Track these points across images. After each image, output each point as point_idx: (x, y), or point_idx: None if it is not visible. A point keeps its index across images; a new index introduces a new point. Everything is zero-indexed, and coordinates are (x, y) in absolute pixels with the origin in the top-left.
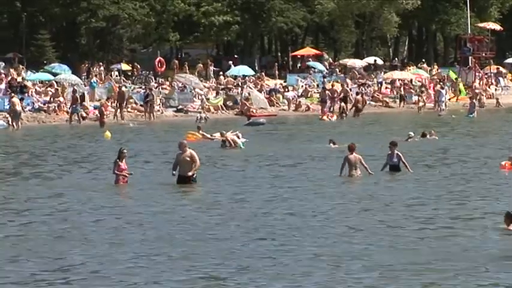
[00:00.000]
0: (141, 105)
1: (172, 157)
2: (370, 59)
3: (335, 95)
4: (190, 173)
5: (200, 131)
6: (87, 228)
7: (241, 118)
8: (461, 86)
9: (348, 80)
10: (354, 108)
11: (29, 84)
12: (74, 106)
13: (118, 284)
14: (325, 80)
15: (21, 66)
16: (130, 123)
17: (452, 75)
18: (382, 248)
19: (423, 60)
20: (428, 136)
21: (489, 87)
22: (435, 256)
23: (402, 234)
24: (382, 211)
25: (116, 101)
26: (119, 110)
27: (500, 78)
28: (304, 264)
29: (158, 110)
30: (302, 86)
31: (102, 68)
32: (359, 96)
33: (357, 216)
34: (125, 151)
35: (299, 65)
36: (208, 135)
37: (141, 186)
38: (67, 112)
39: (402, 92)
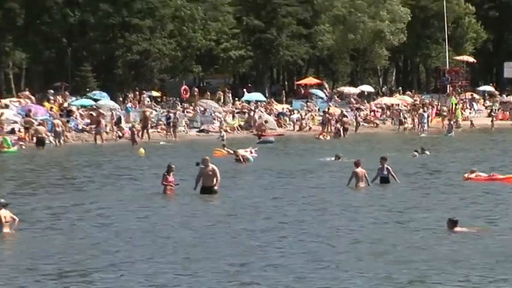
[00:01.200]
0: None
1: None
2: (365, 87)
3: (331, 118)
4: (213, 185)
5: (225, 148)
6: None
7: (254, 137)
8: (458, 111)
9: (331, 104)
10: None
11: (73, 108)
12: (98, 128)
13: None
14: (306, 104)
15: (66, 93)
16: (161, 142)
17: (454, 101)
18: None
19: (400, 88)
20: (419, 152)
21: (464, 111)
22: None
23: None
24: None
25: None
26: (145, 131)
27: (474, 103)
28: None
29: (183, 131)
30: (308, 111)
31: (144, 95)
32: (345, 119)
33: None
34: (173, 166)
35: (303, 92)
36: (232, 151)
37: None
38: (106, 133)
39: (401, 117)
